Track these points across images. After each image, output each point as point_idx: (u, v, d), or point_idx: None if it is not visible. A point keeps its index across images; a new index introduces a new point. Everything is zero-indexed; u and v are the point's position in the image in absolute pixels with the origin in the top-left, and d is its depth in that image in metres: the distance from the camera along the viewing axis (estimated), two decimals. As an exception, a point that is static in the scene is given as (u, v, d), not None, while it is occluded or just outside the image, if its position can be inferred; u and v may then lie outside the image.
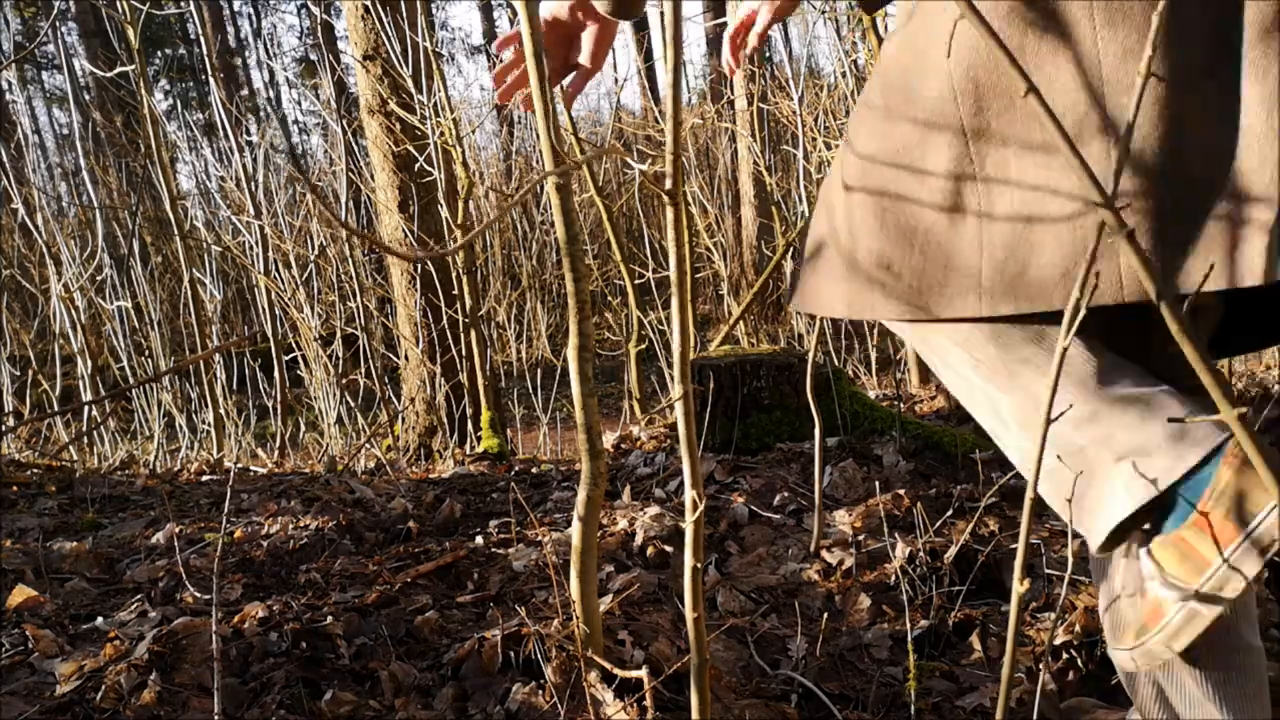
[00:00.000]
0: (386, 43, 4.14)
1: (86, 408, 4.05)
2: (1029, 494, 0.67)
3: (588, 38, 1.12)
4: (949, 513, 1.83)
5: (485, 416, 3.56)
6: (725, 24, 9.52)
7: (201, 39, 8.35)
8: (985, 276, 0.88)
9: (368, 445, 4.01)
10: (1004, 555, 1.66)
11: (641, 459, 2.44)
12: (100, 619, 1.55)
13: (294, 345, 4.79)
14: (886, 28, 3.59)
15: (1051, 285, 0.85)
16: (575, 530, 1.18)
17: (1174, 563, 0.80)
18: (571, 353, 1.12)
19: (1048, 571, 1.62)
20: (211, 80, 4.47)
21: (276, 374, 4.06)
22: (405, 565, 1.80)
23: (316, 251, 5.04)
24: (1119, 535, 0.85)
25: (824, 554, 1.75)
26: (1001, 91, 0.86)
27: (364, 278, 4.84)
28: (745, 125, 7.92)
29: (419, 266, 4.44)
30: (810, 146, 5.58)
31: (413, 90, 4.01)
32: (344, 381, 4.48)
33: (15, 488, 2.55)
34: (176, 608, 1.57)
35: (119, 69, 3.87)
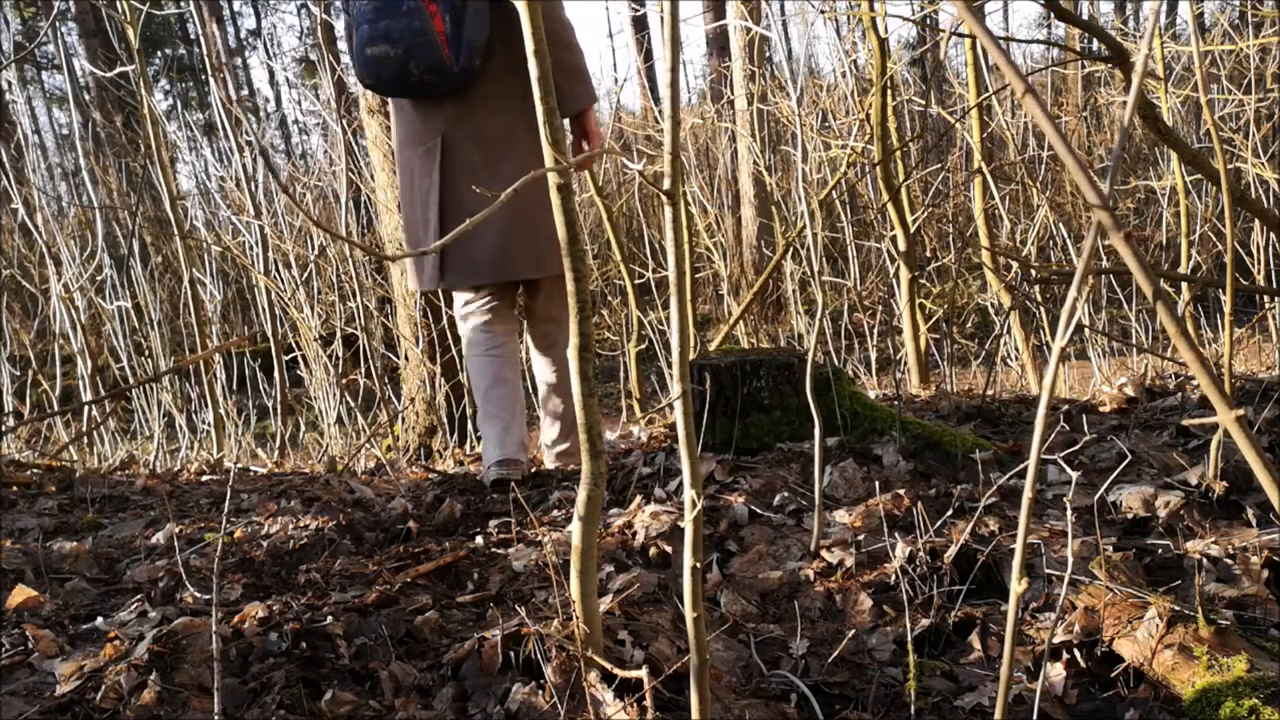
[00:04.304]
0: (386, 43, 4.13)
1: (86, 408, 4.05)
2: (1027, 493, 0.67)
3: None
4: (949, 513, 1.83)
5: (485, 416, 3.55)
6: (725, 24, 9.51)
7: (201, 39, 8.35)
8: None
9: (368, 445, 4.01)
10: (1004, 555, 1.66)
11: (641, 458, 2.44)
12: (100, 619, 1.55)
13: (294, 345, 4.79)
14: (886, 28, 3.58)
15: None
16: (575, 530, 1.18)
17: None
18: (572, 353, 1.12)
19: (1048, 571, 1.62)
20: (211, 80, 4.47)
21: (276, 374, 4.06)
22: (405, 565, 1.80)
23: (316, 251, 5.04)
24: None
25: (824, 554, 1.75)
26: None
27: (364, 278, 4.83)
28: (745, 125, 7.91)
29: (419, 266, 4.43)
30: (810, 146, 5.58)
31: (413, 90, 4.00)
32: (344, 381, 4.48)
33: (15, 488, 2.55)
34: (176, 608, 1.57)
35: (119, 69, 3.87)
